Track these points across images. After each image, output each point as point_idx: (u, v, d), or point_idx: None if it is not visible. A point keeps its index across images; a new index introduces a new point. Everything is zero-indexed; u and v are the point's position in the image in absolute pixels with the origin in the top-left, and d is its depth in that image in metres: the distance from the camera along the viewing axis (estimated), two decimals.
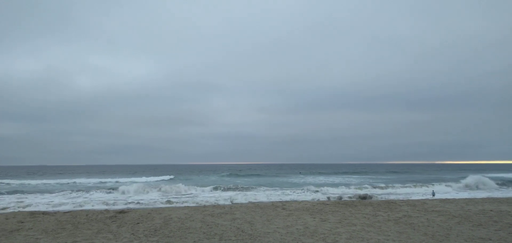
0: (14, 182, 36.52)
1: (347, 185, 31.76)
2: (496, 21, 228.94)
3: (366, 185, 29.66)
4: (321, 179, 42.84)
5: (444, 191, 25.62)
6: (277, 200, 18.80)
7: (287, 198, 20.38)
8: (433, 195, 21.22)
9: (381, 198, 19.58)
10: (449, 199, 17.54)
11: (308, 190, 25.57)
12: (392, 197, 20.59)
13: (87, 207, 16.35)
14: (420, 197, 20.08)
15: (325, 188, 26.80)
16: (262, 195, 22.59)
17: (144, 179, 41.79)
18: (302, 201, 16.92)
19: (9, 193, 24.48)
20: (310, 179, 42.86)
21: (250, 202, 17.32)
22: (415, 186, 28.71)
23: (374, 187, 28.44)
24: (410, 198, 19.18)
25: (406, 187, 28.28)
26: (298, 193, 23.78)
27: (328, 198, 19.87)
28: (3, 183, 35.24)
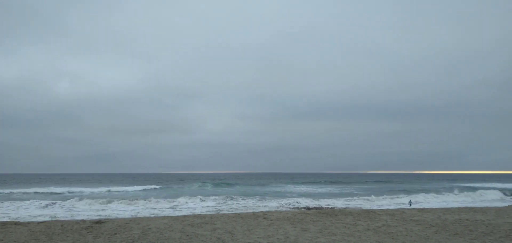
0: None
1: (326, 194, 32.09)
2: (476, 33, 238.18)
3: (350, 197, 30.00)
4: (302, 188, 43.08)
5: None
6: (258, 209, 18.73)
7: (268, 207, 20.36)
8: (410, 204, 21.65)
9: (361, 207, 19.82)
10: (426, 209, 17.92)
11: (289, 199, 25.64)
12: (370, 206, 20.89)
13: (62, 217, 15.81)
14: (398, 207, 20.44)
15: (302, 198, 26.96)
16: (243, 205, 22.50)
17: (129, 188, 40.84)
18: (283, 211, 16.92)
19: None
20: (291, 188, 43.05)
21: (231, 212, 17.18)
22: (392, 198, 29.24)
23: (353, 197, 28.83)
24: (389, 208, 19.49)
25: (385, 197, 28.78)
26: (279, 202, 23.80)
27: (308, 207, 19.96)
28: None
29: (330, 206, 20.92)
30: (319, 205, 22.12)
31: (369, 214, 14.82)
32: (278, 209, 18.62)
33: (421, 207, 19.92)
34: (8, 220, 14.14)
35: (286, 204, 22.42)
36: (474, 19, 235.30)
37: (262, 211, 16.88)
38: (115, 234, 10.03)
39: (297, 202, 23.71)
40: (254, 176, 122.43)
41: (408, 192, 36.66)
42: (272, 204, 22.60)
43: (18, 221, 13.27)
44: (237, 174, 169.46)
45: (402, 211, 16.14)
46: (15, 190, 35.46)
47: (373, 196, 29.10)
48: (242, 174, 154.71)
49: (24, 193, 32.64)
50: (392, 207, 20.44)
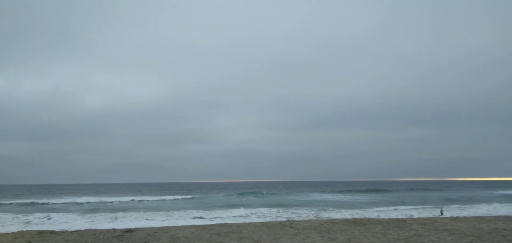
0: (21, 201, 36.73)
1: (353, 203, 31.42)
2: (510, 33, 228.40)
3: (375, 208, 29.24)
4: (328, 196, 42.39)
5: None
6: (284, 218, 18.61)
7: (294, 216, 20.17)
8: (442, 213, 20.83)
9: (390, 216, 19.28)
10: (460, 217, 17.21)
11: (315, 207, 25.30)
12: (400, 215, 20.27)
13: (95, 226, 16.31)
14: (430, 215, 19.73)
15: (328, 207, 26.49)
16: (269, 213, 22.40)
17: (157, 197, 41.60)
18: (310, 220, 16.71)
19: (17, 212, 24.54)
20: (316, 196, 42.46)
21: (257, 221, 17.15)
22: (423, 207, 28.23)
23: (382, 206, 28.08)
24: (420, 217, 18.85)
25: (416, 206, 27.84)
26: (305, 211, 23.54)
27: (334, 217, 19.61)
28: (12, 203, 35.42)
29: (358, 216, 20.48)
30: (346, 214, 21.72)
31: (399, 223, 14.40)
32: (304, 218, 18.41)
33: (454, 215, 19.14)
34: (44, 229, 14.73)
35: (312, 213, 22.14)
36: (507, 19, 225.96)
37: (288, 220, 16.76)
38: (145, 242, 10.25)
39: (324, 211, 23.36)
40: (279, 184, 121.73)
41: (439, 200, 35.32)
42: (298, 213, 22.38)
43: (53, 230, 13.80)
44: (262, 182, 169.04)
45: (434, 220, 15.58)
46: (50, 200, 36.93)
47: (403, 205, 28.21)
48: (266, 183, 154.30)
49: (56, 203, 33.93)
50: (423, 215, 19.75)
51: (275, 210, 24.76)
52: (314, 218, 18.17)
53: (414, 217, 18.66)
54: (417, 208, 25.59)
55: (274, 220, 17.56)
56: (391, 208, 26.41)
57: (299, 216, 20.16)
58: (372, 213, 22.57)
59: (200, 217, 20.73)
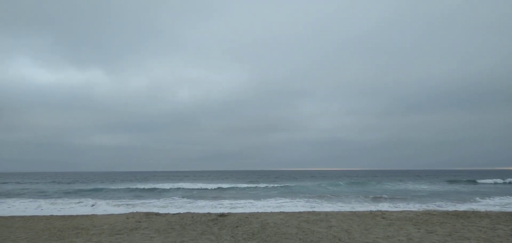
0: (129, 186, 41.81)
1: (452, 193, 28.57)
2: None
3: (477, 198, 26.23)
4: (423, 187, 39.20)
5: None
6: (375, 208, 17.85)
7: (386, 206, 19.21)
8: None
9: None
10: None
11: (408, 198, 23.70)
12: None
13: (193, 210, 17.80)
14: None
15: (424, 198, 24.48)
16: (358, 203, 21.70)
17: (247, 184, 43.62)
18: (404, 211, 15.73)
19: (129, 197, 28.05)
20: (410, 186, 39.62)
21: (346, 210, 16.79)
22: None
23: (487, 197, 25.00)
24: None
25: None
26: (397, 202, 22.23)
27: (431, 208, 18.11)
28: (122, 189, 40.48)
29: (460, 208, 18.61)
30: (446, 205, 19.91)
31: None
32: (398, 209, 17.39)
33: None
34: (150, 211, 16.58)
35: (406, 204, 20.80)
36: None
37: (380, 210, 16.04)
38: (237, 227, 10.84)
39: (418, 201, 21.74)
40: (367, 173, 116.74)
41: None
42: (390, 203, 21.25)
43: (158, 212, 15.45)
44: (349, 171, 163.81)
45: None
46: (155, 186, 41.34)
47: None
48: (353, 172, 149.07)
49: (159, 188, 37.78)
50: None
51: (364, 199, 23.91)
52: (409, 209, 17.05)
53: None
54: None
55: (364, 209, 16.97)
56: (497, 199, 23.38)
57: (392, 207, 19.12)
58: (476, 205, 20.29)
59: (288, 204, 21.07)
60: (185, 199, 25.01)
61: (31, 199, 25.30)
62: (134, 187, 39.84)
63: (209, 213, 14.69)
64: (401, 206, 19.31)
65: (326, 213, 14.38)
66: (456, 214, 13.70)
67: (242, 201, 22.83)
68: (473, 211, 15.51)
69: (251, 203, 21.85)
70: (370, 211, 15.61)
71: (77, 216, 14.82)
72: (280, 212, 15.64)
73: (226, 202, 22.58)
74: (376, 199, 24.21)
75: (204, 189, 35.84)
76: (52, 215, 15.77)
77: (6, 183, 54.78)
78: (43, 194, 30.02)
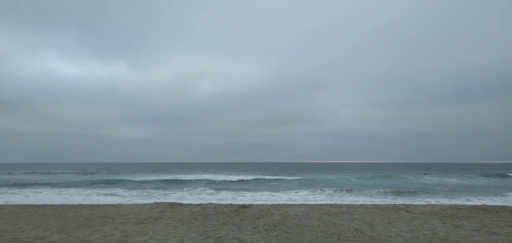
0: (153, 177, 42.79)
1: (480, 188, 27.61)
2: None
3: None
4: (449, 181, 38.12)
5: None
6: (398, 202, 17.53)
7: (410, 200, 18.83)
8: None
9: None
10: None
11: (433, 191, 23.11)
12: None
13: (215, 201, 18.05)
14: None
15: (450, 192, 23.81)
16: (381, 196, 21.39)
17: (267, 176, 43.81)
18: (429, 204, 15.37)
19: (153, 187, 28.74)
20: (434, 180, 38.58)
21: (368, 203, 16.57)
22: None
23: None
24: None
25: None
26: (421, 196, 21.74)
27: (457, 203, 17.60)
28: (146, 180, 41.47)
29: (488, 202, 18.01)
30: (473, 199, 19.32)
31: None
32: (422, 202, 17.01)
33: None
34: (174, 201, 16.93)
35: (430, 197, 20.31)
36: None
37: (404, 204, 15.75)
38: (258, 218, 10.91)
39: (444, 195, 21.18)
40: (390, 166, 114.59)
41: None
42: (414, 196, 20.82)
43: (181, 203, 15.75)
44: (371, 164, 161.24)
45: None
46: (178, 177, 42.15)
47: None
48: (376, 164, 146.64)
49: (177, 180, 38.46)
50: None
51: (387, 192, 23.52)
52: (434, 203, 16.65)
53: None
54: None
55: (387, 203, 16.70)
56: None
57: (416, 200, 18.73)
58: (506, 199, 19.58)
59: (309, 197, 21.01)
60: (207, 190, 25.41)
61: (60, 189, 26.38)
62: (158, 178, 40.75)
63: (231, 204, 14.85)
64: (426, 200, 18.88)
65: (348, 206, 14.25)
66: (484, 209, 13.26)
67: (264, 193, 22.95)
68: (502, 206, 14.96)
69: (272, 195, 21.92)
70: (394, 204, 15.34)
71: (103, 205, 15.34)
72: (301, 204, 15.61)
73: (247, 193, 22.75)
74: (400, 192, 23.75)
75: (226, 180, 36.22)
76: (80, 204, 16.39)
77: (36, 173, 57.26)
78: (71, 184, 31.19)
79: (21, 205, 15.88)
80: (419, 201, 18.35)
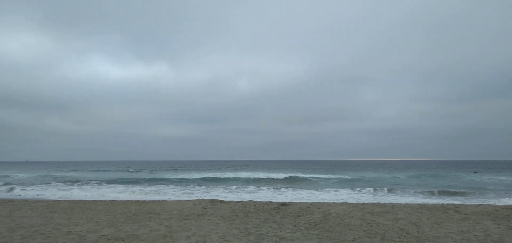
0: (194, 175, 43.94)
1: None
2: None
3: None
4: (502, 179, 35.59)
5: None
6: (446, 201, 16.68)
7: (460, 199, 17.85)
8: None
9: None
10: None
11: (485, 191, 21.72)
12: None
13: (255, 198, 18.20)
14: None
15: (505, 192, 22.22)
16: (428, 195, 20.46)
17: (307, 175, 43.53)
18: (481, 205, 14.47)
19: (194, 185, 29.54)
20: (487, 178, 36.19)
21: (414, 202, 15.92)
22: None
23: None
24: None
25: None
26: (473, 194, 20.52)
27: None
28: (188, 178, 42.70)
29: None
30: None
31: None
32: (473, 202, 16.06)
33: None
34: (215, 198, 17.30)
35: (483, 197, 19.11)
36: None
37: (452, 203, 14.96)
38: (299, 216, 10.86)
39: (498, 195, 19.82)
40: (437, 164, 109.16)
41: None
42: (464, 196, 19.71)
43: (223, 200, 16.06)
44: (416, 162, 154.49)
45: None
46: (217, 175, 43.01)
47: None
48: (421, 162, 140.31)
49: (217, 178, 39.16)
50: None
51: (434, 191, 22.43)
52: (487, 203, 15.65)
53: None
54: None
55: (434, 202, 15.95)
56: None
57: (466, 200, 17.71)
58: None
59: (350, 195, 20.57)
60: (246, 188, 25.68)
61: (109, 185, 27.89)
62: (198, 176, 41.82)
63: (271, 202, 14.91)
64: (477, 200, 17.80)
65: (392, 205, 13.78)
66: None
67: (303, 191, 22.79)
68: None
69: (312, 193, 21.71)
70: (442, 204, 14.62)
71: (149, 201, 16.01)
72: (343, 202, 15.33)
73: (286, 191, 22.72)
74: (448, 191, 22.56)
75: (264, 178, 36.38)
76: (128, 200, 17.22)
77: (84, 170, 60.94)
78: (118, 181, 32.82)
79: (74, 200, 17.00)
80: (469, 201, 17.34)
